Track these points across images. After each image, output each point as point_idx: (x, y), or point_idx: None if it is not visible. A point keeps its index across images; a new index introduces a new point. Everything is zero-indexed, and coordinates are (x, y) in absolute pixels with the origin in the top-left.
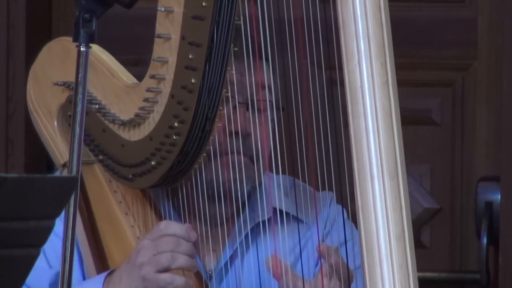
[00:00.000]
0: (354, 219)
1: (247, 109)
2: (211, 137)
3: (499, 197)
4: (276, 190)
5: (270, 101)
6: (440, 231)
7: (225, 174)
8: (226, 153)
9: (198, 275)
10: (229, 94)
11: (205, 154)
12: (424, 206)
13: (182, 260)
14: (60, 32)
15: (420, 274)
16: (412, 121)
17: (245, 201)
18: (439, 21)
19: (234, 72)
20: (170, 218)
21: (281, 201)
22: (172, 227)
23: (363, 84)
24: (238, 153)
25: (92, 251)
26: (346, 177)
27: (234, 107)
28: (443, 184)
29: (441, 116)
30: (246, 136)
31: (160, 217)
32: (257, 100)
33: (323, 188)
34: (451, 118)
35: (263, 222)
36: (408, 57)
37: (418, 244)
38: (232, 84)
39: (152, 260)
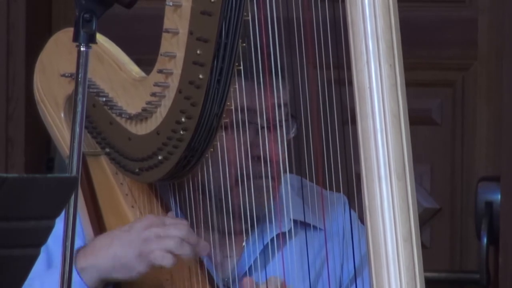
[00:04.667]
0: (361, 221)
1: (269, 130)
2: (219, 134)
3: (499, 197)
4: (291, 198)
5: (287, 115)
6: (440, 231)
7: (252, 198)
8: (253, 178)
9: (210, 281)
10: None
11: (212, 150)
12: (424, 206)
13: (187, 250)
14: None
15: None
16: (412, 121)
17: (260, 216)
18: (439, 21)
19: (240, 94)
20: (176, 210)
21: (299, 211)
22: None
23: (371, 84)
24: (265, 177)
25: None
26: (354, 177)
27: (256, 132)
28: (443, 184)
29: (441, 116)
30: (268, 159)
31: (166, 211)
32: (277, 121)
33: (330, 189)
34: (451, 118)
35: (283, 234)
36: (408, 57)
37: None
38: (250, 109)
39: (159, 241)
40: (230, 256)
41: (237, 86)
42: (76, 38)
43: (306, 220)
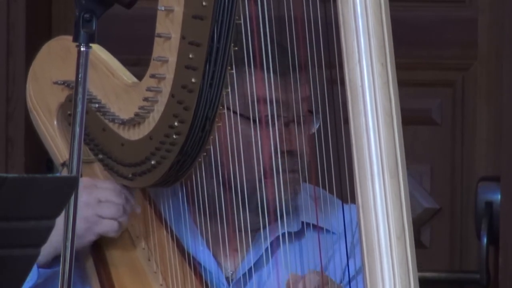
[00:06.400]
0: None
1: (295, 124)
2: (211, 137)
3: (499, 197)
4: (303, 200)
5: (311, 111)
6: (440, 231)
7: (279, 192)
8: (283, 171)
9: (198, 278)
10: (272, 113)
11: (205, 154)
12: (424, 206)
13: (126, 217)
14: (60, 32)
15: (420, 274)
16: (412, 121)
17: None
18: (439, 21)
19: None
20: (170, 216)
21: (310, 213)
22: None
23: (364, 82)
24: (292, 171)
25: (91, 251)
26: (347, 175)
27: (286, 125)
28: (443, 184)
29: (441, 116)
30: (296, 153)
31: (160, 216)
32: (302, 115)
33: (323, 186)
34: (451, 118)
35: (290, 233)
36: (408, 57)
37: (418, 244)
38: (277, 102)
39: (97, 206)
40: (238, 251)
41: (265, 79)
42: (76, 38)
43: (319, 223)
